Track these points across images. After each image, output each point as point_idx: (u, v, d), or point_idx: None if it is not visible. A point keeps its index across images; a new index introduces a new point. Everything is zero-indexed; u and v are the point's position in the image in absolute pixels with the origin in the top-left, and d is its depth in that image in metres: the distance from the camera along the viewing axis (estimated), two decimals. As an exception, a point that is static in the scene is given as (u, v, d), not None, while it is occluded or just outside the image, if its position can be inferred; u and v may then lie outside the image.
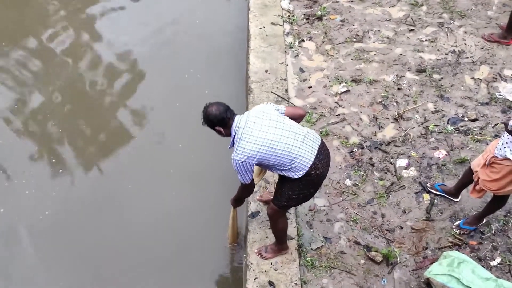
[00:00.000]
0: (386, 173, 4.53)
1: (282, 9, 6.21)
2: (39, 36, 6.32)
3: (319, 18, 6.05)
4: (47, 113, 5.42)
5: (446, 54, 5.58)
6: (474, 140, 4.73)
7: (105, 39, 6.28)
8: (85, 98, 5.59)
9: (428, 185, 4.39)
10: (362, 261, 3.96)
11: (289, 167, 3.29)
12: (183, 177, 4.82)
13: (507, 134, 3.44)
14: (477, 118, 4.92)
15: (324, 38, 5.81)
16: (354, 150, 4.70)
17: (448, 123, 4.90)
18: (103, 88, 5.71)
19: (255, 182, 3.63)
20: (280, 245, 3.90)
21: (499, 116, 4.92)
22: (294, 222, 4.11)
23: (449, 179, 4.45)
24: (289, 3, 6.29)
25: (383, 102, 5.11)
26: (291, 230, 3.99)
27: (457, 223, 4.13)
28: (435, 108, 5.05)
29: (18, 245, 4.40)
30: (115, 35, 6.33)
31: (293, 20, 6.05)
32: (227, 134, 3.36)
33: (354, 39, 5.78)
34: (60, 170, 4.90)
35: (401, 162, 4.59)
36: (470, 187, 3.94)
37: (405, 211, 4.27)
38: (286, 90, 5.19)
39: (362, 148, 4.72)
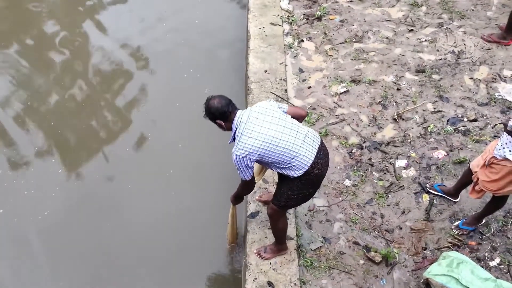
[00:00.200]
0: (385, 173, 4.53)
1: (282, 9, 6.21)
2: (37, 36, 6.33)
3: (319, 19, 6.05)
4: (47, 113, 5.42)
5: (445, 54, 5.58)
6: (473, 140, 4.73)
7: (104, 39, 6.28)
8: (84, 98, 5.58)
9: (428, 185, 4.39)
10: (362, 262, 3.96)
11: (289, 165, 3.29)
12: (182, 177, 4.82)
13: (507, 134, 3.44)
14: (476, 119, 4.92)
15: (323, 38, 5.81)
16: (353, 151, 4.70)
17: (447, 124, 4.90)
18: (102, 88, 5.71)
19: (255, 181, 3.62)
20: (280, 245, 3.90)
21: (499, 117, 4.92)
22: (293, 222, 4.11)
23: (448, 179, 4.46)
24: (289, 3, 6.29)
25: (382, 102, 5.11)
26: (290, 231, 3.99)
27: (456, 223, 4.13)
28: (434, 108, 5.05)
29: (17, 246, 4.40)
30: (114, 34, 6.34)
31: (293, 20, 6.05)
32: (228, 128, 3.33)
33: (354, 40, 5.78)
34: (60, 170, 4.90)
35: (401, 163, 4.60)
36: (470, 187, 3.94)
37: (404, 212, 4.27)
38: (286, 91, 5.19)
39: (362, 148, 4.72)
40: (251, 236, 4.09)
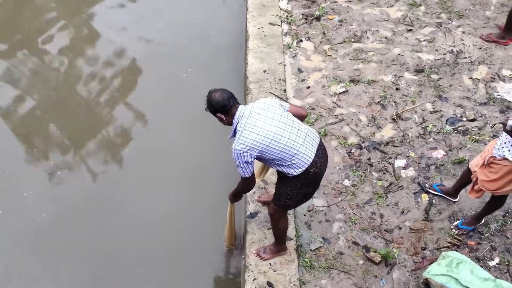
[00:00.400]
0: (384, 173, 4.53)
1: (281, 9, 6.21)
2: (36, 36, 6.32)
3: (317, 18, 6.05)
4: (45, 113, 5.42)
5: (444, 54, 5.58)
6: (472, 140, 4.73)
7: (102, 38, 6.27)
8: (83, 99, 5.57)
9: (427, 185, 4.39)
10: (361, 262, 3.96)
11: (289, 163, 3.28)
12: (182, 177, 4.82)
13: (506, 134, 3.44)
14: (475, 118, 4.93)
15: (322, 38, 5.81)
16: (352, 151, 4.70)
17: (446, 123, 4.90)
18: (101, 88, 5.70)
19: (256, 181, 3.61)
20: (279, 245, 3.90)
21: (497, 116, 4.93)
22: (292, 222, 4.11)
23: (447, 179, 4.46)
24: (287, 3, 6.29)
25: (381, 102, 5.11)
26: (290, 231, 3.99)
27: (455, 223, 4.13)
28: (433, 108, 5.05)
29: (16, 247, 4.39)
30: (113, 34, 6.33)
31: (291, 20, 6.05)
32: (229, 122, 3.31)
33: (352, 39, 5.78)
34: (58, 172, 4.89)
35: (400, 163, 4.59)
36: (469, 187, 3.94)
37: (403, 212, 4.27)
38: (285, 91, 5.18)
39: (361, 148, 4.72)
40: (251, 237, 4.09)
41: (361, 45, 5.72)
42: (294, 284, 3.77)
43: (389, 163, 4.60)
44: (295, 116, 3.43)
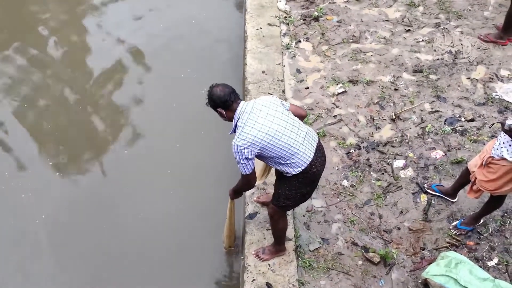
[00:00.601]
0: (383, 173, 4.53)
1: (279, 10, 6.21)
2: (33, 36, 6.32)
3: (316, 19, 6.05)
4: (43, 115, 5.41)
5: (442, 54, 5.59)
6: (471, 140, 4.73)
7: (101, 39, 6.27)
8: (81, 99, 5.57)
9: (425, 185, 4.39)
10: (360, 262, 3.96)
11: (288, 161, 3.27)
12: (181, 177, 4.82)
13: (504, 134, 3.44)
14: (473, 119, 4.93)
15: (320, 39, 5.81)
16: (351, 151, 4.70)
17: (445, 124, 4.90)
18: (99, 88, 5.70)
19: (257, 182, 3.58)
20: (278, 246, 3.90)
21: (496, 116, 4.93)
22: (291, 223, 4.11)
23: (446, 179, 4.46)
24: (286, 4, 6.29)
25: (380, 102, 5.11)
26: (289, 232, 3.99)
27: (454, 223, 4.14)
28: (432, 108, 5.05)
29: (16, 249, 4.39)
30: (111, 35, 6.33)
31: (290, 21, 6.05)
32: (229, 117, 3.29)
33: (351, 40, 5.78)
34: (57, 173, 4.89)
35: (398, 163, 4.60)
36: (467, 187, 3.94)
37: (402, 212, 4.27)
38: (283, 91, 5.18)
39: (359, 149, 4.72)
40: (249, 237, 4.08)
41: (360, 46, 5.72)
42: (293, 285, 3.77)
43: (388, 164, 4.60)
44: (295, 116, 3.43)
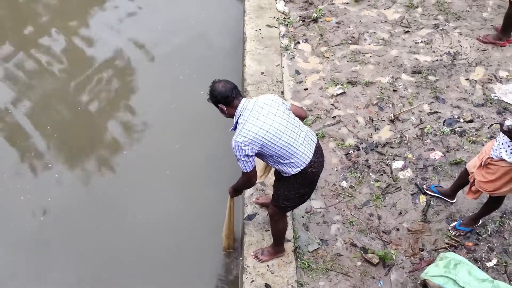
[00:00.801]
0: (382, 174, 4.53)
1: (278, 11, 6.22)
2: (31, 37, 6.31)
3: (315, 20, 6.06)
4: (42, 116, 5.40)
5: (441, 55, 5.59)
6: (469, 141, 4.74)
7: (100, 39, 6.26)
8: (80, 101, 5.57)
9: (424, 186, 4.40)
10: (359, 263, 3.96)
11: (287, 161, 3.27)
12: (181, 178, 4.82)
13: (503, 135, 3.44)
14: (472, 120, 4.93)
15: (319, 40, 5.82)
16: (350, 152, 4.70)
17: (443, 125, 4.91)
18: (97, 90, 5.69)
19: (258, 179, 3.57)
20: (277, 247, 3.90)
21: (495, 117, 4.93)
22: (290, 224, 4.10)
23: (445, 180, 4.46)
24: (285, 6, 6.29)
25: (378, 104, 5.12)
26: (288, 233, 3.98)
27: (453, 224, 4.14)
28: (430, 109, 5.06)
29: (15, 250, 4.38)
30: (110, 35, 6.33)
31: (289, 22, 6.06)
32: (230, 114, 3.28)
33: (350, 41, 5.79)
34: (56, 175, 4.88)
35: (397, 164, 4.60)
36: (466, 188, 3.94)
37: (401, 213, 4.27)
38: (282, 92, 5.19)
39: (358, 150, 4.73)
40: (248, 239, 4.08)
41: (359, 47, 5.72)
42: (292, 286, 3.77)
43: (387, 165, 4.61)
44: (295, 116, 3.43)
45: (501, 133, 3.45)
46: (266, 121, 3.18)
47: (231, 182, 3.77)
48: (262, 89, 5.18)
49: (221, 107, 3.28)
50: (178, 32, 6.32)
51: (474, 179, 3.73)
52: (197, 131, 5.18)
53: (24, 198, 4.68)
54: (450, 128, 4.86)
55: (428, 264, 3.84)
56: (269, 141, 3.18)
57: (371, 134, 4.86)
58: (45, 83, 5.76)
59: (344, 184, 4.46)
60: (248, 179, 3.39)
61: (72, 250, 4.36)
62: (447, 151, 4.68)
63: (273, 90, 5.17)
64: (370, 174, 4.54)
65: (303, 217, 4.24)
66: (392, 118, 4.95)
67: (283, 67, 5.51)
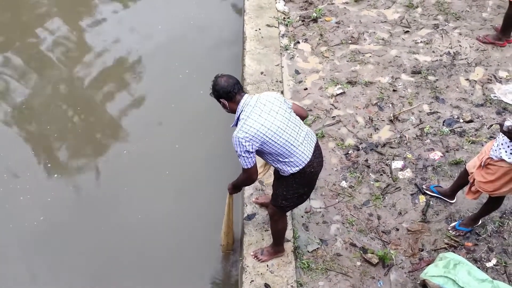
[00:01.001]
0: (381, 174, 4.53)
1: (278, 11, 6.21)
2: (31, 35, 6.31)
3: (315, 20, 6.05)
4: (41, 117, 5.40)
5: (441, 55, 5.59)
6: (469, 141, 4.74)
7: (99, 40, 6.26)
8: (79, 101, 5.56)
9: (424, 186, 4.40)
10: (358, 263, 3.96)
11: (286, 160, 3.27)
12: (179, 178, 4.81)
13: (502, 135, 3.44)
14: (472, 120, 4.93)
15: (319, 40, 5.81)
16: (349, 152, 4.70)
17: (443, 125, 4.91)
18: (97, 90, 5.69)
19: (259, 176, 3.56)
20: (277, 247, 3.90)
21: (494, 118, 4.94)
22: (290, 224, 4.10)
23: (444, 180, 4.46)
24: (285, 5, 6.29)
25: (378, 103, 5.12)
26: (287, 233, 3.98)
27: (452, 224, 4.14)
28: (430, 109, 5.06)
29: (14, 252, 4.37)
30: (110, 36, 6.32)
31: (289, 22, 6.05)
32: (232, 109, 3.28)
33: (350, 41, 5.79)
34: (56, 175, 4.88)
35: (397, 164, 4.60)
36: (466, 188, 3.94)
37: (401, 213, 4.27)
38: (282, 92, 5.18)
39: (358, 150, 4.73)
40: (248, 238, 4.08)
41: (358, 47, 5.72)
42: (292, 286, 3.77)
43: (386, 165, 4.61)
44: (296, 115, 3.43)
45: (500, 133, 3.45)
46: (268, 118, 3.18)
47: (230, 180, 3.76)
48: (262, 88, 5.18)
49: (223, 102, 3.28)
50: (177, 31, 6.32)
51: (474, 180, 3.73)
52: (196, 131, 5.18)
53: (23, 198, 4.68)
54: (450, 128, 4.86)
55: (428, 264, 3.84)
56: (270, 138, 3.18)
57: (371, 134, 4.86)
58: (44, 84, 5.75)
59: (344, 184, 4.46)
60: (248, 176, 3.38)
61: (71, 250, 4.36)
62: (447, 151, 4.68)
63: (273, 89, 5.17)
64: (370, 174, 4.54)
65: (302, 217, 4.24)
66: (392, 118, 4.95)
67: (282, 66, 5.51)
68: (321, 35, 5.87)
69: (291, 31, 5.96)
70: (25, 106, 5.49)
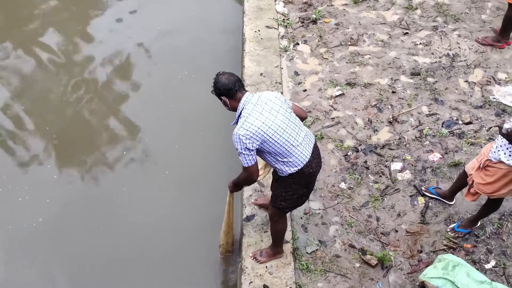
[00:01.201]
0: (381, 176, 4.54)
1: (277, 12, 6.22)
2: (29, 37, 6.31)
3: (314, 22, 6.06)
4: (41, 117, 5.40)
5: (440, 57, 5.60)
6: (468, 143, 4.74)
7: (98, 41, 6.26)
8: (79, 101, 5.56)
9: (423, 188, 4.40)
10: (357, 265, 3.96)
11: (285, 159, 3.27)
12: (178, 178, 4.81)
13: (501, 137, 3.45)
14: (471, 121, 4.94)
15: (318, 41, 5.82)
16: (349, 154, 4.70)
17: (442, 126, 4.91)
18: (96, 90, 5.69)
19: (259, 177, 3.55)
20: (276, 248, 3.90)
21: (493, 119, 4.94)
22: (289, 225, 4.10)
23: (443, 182, 4.46)
24: (284, 7, 6.30)
25: (377, 105, 5.12)
26: (286, 234, 3.97)
27: (451, 226, 4.14)
28: (429, 111, 5.06)
29: (13, 252, 4.37)
30: (109, 35, 6.32)
31: (288, 23, 6.06)
32: (233, 106, 3.28)
33: (349, 43, 5.79)
34: (55, 176, 4.88)
35: (396, 165, 4.60)
36: (465, 190, 3.94)
37: (400, 214, 4.27)
38: (281, 94, 5.18)
39: (357, 151, 4.73)
40: (247, 240, 4.08)
41: (358, 48, 5.73)
42: (291, 287, 3.76)
43: (386, 166, 4.61)
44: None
45: (499, 135, 3.45)
46: (269, 117, 3.19)
47: (229, 180, 3.75)
48: (261, 90, 5.18)
49: (224, 100, 3.28)
50: (177, 32, 6.33)
51: (473, 181, 3.73)
52: (196, 131, 5.18)
53: (22, 199, 4.67)
54: (449, 130, 4.87)
55: (427, 266, 3.84)
56: (270, 137, 3.18)
57: (370, 135, 4.86)
58: (43, 83, 5.75)
59: (343, 185, 4.47)
60: (249, 175, 3.36)
61: (71, 251, 4.35)
62: (446, 153, 4.68)
63: (272, 91, 5.16)
64: (369, 175, 4.54)
65: (301, 218, 4.24)
66: (391, 119, 4.96)
67: (282, 68, 5.51)
68: (320, 36, 5.87)
69: (291, 32, 5.96)
70: (24, 106, 5.48)
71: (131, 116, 5.41)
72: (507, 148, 3.43)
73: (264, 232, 4.10)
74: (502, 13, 5.80)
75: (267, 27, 5.99)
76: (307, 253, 4.01)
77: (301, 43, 5.82)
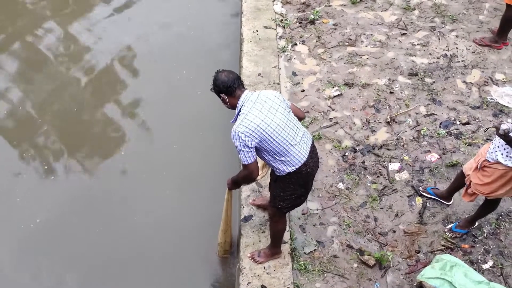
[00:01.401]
0: (378, 176, 4.54)
1: (275, 12, 6.22)
2: (27, 36, 6.30)
3: (312, 22, 6.06)
4: (39, 117, 5.39)
5: (438, 58, 5.61)
6: (466, 143, 4.75)
7: (97, 41, 6.25)
8: (76, 102, 5.55)
9: (421, 188, 4.40)
10: (355, 265, 3.97)
11: (283, 158, 3.27)
12: (177, 179, 4.81)
13: (499, 138, 3.46)
14: (469, 122, 4.95)
15: (316, 41, 5.82)
16: (346, 154, 4.71)
17: (440, 127, 4.92)
18: (94, 91, 5.68)
19: (258, 178, 3.55)
20: (274, 249, 3.90)
21: (491, 120, 4.95)
22: (287, 226, 4.10)
23: (441, 182, 4.47)
24: (282, 7, 6.30)
25: (375, 105, 5.13)
26: (284, 234, 3.97)
27: (449, 226, 4.15)
28: (427, 111, 5.07)
29: (12, 253, 4.36)
30: (108, 37, 6.31)
31: (286, 23, 6.06)
32: (232, 104, 3.28)
33: (347, 43, 5.80)
34: (52, 177, 4.87)
35: (394, 166, 4.61)
36: (462, 190, 3.95)
37: (397, 215, 4.28)
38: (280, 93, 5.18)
39: (355, 151, 4.73)
40: (245, 240, 4.08)
41: (355, 49, 5.73)
42: (289, 288, 3.77)
43: (383, 166, 4.61)
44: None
45: (497, 136, 3.46)
46: (268, 115, 3.19)
47: (230, 177, 3.74)
48: (259, 90, 5.17)
49: (223, 97, 3.29)
50: (175, 32, 6.32)
51: (470, 182, 3.74)
52: (194, 131, 5.17)
53: (20, 199, 4.66)
54: (447, 130, 4.87)
55: (424, 266, 3.85)
56: (269, 135, 3.18)
57: (368, 136, 4.86)
58: (40, 84, 5.74)
59: (341, 185, 4.47)
60: (249, 173, 3.34)
61: (69, 252, 4.34)
62: (444, 153, 4.69)
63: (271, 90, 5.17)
64: (367, 176, 4.54)
65: (299, 218, 4.24)
66: (389, 120, 4.96)
67: (280, 68, 5.51)
68: (318, 37, 5.88)
69: (289, 33, 5.96)
70: (21, 106, 5.47)
71: (129, 116, 5.41)
72: (505, 149, 3.44)
73: (262, 232, 4.10)
74: (500, 14, 5.81)
75: (265, 27, 6.00)
76: (305, 253, 4.02)
77: (299, 43, 5.83)
